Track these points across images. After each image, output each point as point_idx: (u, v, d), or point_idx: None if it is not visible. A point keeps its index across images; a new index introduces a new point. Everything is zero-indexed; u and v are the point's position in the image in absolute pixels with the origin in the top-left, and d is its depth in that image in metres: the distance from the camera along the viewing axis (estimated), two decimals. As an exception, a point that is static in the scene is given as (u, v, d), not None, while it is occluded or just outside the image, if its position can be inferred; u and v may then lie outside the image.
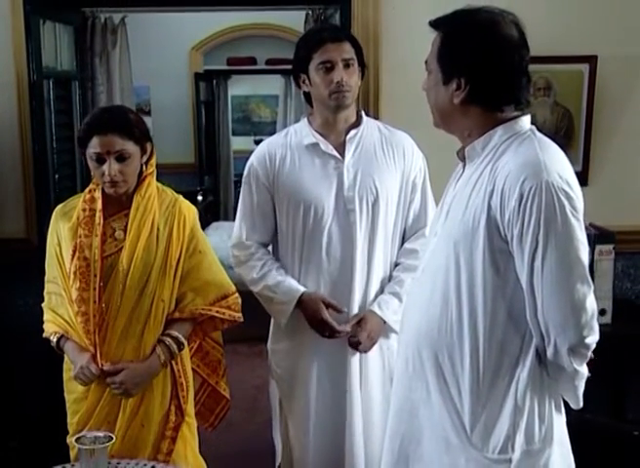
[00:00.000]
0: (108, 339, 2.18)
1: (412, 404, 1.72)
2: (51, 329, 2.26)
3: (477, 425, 1.62)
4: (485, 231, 1.58)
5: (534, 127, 1.68)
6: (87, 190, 2.27)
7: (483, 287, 1.59)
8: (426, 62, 1.72)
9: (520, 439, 1.61)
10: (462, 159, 1.74)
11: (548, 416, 1.65)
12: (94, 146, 2.15)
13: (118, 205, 2.24)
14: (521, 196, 1.51)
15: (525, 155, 1.58)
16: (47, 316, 2.30)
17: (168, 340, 2.23)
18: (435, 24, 1.69)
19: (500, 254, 1.58)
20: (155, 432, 2.23)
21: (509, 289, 1.59)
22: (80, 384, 2.20)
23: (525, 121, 1.67)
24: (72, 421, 2.25)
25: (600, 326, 1.63)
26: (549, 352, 1.59)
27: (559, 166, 1.57)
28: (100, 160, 2.16)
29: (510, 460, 1.61)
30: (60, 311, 2.26)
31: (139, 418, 2.21)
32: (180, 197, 2.35)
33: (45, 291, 2.32)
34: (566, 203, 1.53)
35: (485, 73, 1.62)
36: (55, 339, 2.25)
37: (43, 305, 2.32)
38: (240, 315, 2.36)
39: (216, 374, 2.46)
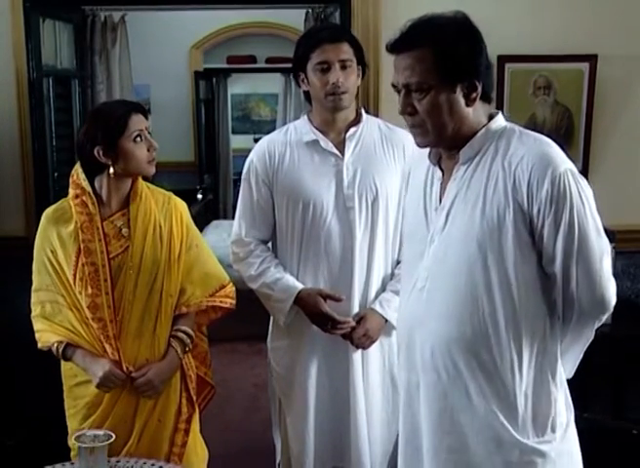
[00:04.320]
0: (123, 339, 2.18)
1: (450, 413, 1.70)
2: (51, 338, 2.20)
3: (528, 414, 1.66)
4: (512, 225, 1.61)
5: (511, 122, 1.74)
6: (72, 195, 2.21)
7: (515, 278, 1.62)
8: (408, 85, 1.65)
9: (560, 415, 1.68)
10: (437, 163, 1.76)
11: (565, 384, 1.73)
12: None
13: (114, 206, 2.23)
14: (552, 187, 1.57)
15: (538, 148, 1.63)
16: (41, 326, 2.22)
17: (181, 335, 2.25)
18: (407, 46, 1.64)
19: (525, 246, 1.63)
20: (171, 426, 2.26)
21: (534, 275, 1.64)
22: (105, 391, 2.18)
23: (501, 117, 1.73)
24: (83, 426, 2.20)
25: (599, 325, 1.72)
26: (576, 324, 1.67)
27: (564, 154, 1.65)
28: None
29: (555, 439, 1.67)
30: (57, 319, 2.21)
31: (156, 414, 2.23)
32: (172, 194, 2.37)
33: (33, 300, 2.26)
34: (584, 185, 1.62)
35: (486, 67, 1.68)
36: (60, 349, 2.19)
37: (32, 316, 2.25)
38: (234, 302, 2.40)
39: (204, 365, 2.47)
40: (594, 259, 1.61)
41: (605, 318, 1.69)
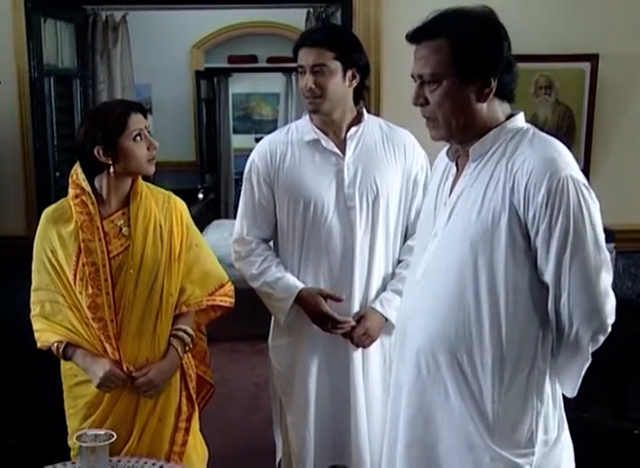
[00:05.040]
0: (123, 339, 2.18)
1: (427, 408, 1.69)
2: (51, 338, 2.20)
3: (502, 423, 1.62)
4: (506, 229, 1.58)
5: (531, 125, 1.69)
6: (72, 195, 2.21)
7: (504, 284, 1.59)
8: (421, 75, 1.65)
9: (541, 429, 1.63)
10: (454, 159, 1.74)
11: (559, 402, 1.68)
12: None
13: (114, 205, 2.23)
14: (548, 191, 1.52)
15: (544, 151, 1.59)
16: (40, 325, 2.22)
17: (181, 334, 2.26)
18: (424, 36, 1.64)
19: (519, 251, 1.59)
20: (171, 425, 2.26)
21: (527, 283, 1.60)
22: (105, 391, 2.19)
23: (521, 118, 1.69)
24: (83, 426, 2.20)
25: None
26: (569, 340, 1.60)
27: (573, 162, 1.60)
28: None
29: (533, 453, 1.63)
30: (57, 319, 2.21)
31: (156, 413, 2.24)
32: (171, 193, 2.37)
33: (33, 300, 2.25)
34: (587, 195, 1.55)
35: (507, 65, 1.64)
36: (61, 348, 2.19)
37: (32, 316, 2.25)
38: (234, 301, 2.41)
39: (203, 364, 2.48)
40: (589, 271, 1.55)
41: (602, 339, 1.62)
